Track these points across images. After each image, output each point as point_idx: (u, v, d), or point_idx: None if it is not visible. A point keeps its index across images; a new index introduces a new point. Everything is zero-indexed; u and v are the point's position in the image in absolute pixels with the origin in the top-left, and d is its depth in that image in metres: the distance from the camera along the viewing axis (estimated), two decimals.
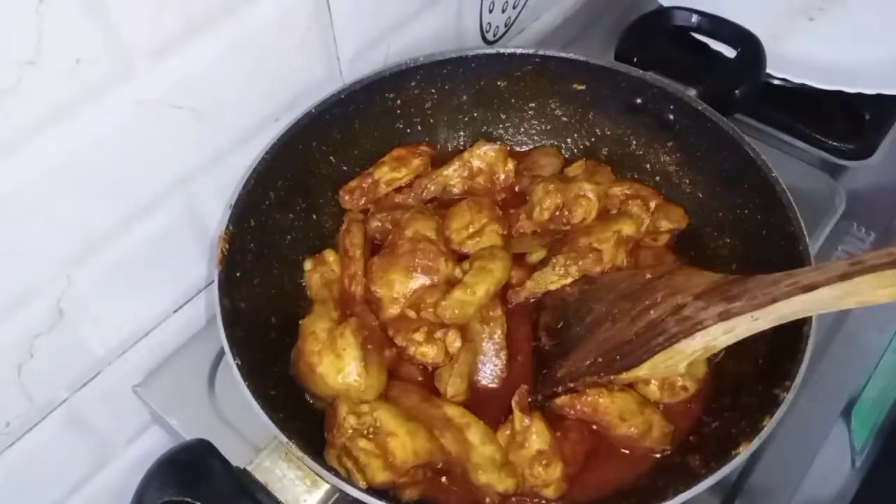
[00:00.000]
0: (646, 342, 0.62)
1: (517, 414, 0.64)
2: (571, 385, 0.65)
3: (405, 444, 0.59)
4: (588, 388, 0.65)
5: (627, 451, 0.67)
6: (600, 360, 0.64)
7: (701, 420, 0.67)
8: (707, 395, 0.68)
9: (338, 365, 0.64)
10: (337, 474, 0.56)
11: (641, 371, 0.61)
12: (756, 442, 0.57)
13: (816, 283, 0.52)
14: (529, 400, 0.66)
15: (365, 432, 0.59)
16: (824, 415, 0.76)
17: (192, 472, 0.55)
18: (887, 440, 0.84)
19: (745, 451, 0.57)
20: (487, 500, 0.62)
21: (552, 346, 0.70)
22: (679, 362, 0.60)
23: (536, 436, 0.63)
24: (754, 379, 0.65)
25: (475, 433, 0.63)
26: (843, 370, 0.79)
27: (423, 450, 0.60)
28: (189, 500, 0.53)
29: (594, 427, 0.67)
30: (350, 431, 0.59)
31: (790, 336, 0.61)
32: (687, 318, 0.60)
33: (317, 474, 0.57)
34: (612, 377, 0.63)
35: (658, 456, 0.66)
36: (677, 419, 0.67)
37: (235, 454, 0.58)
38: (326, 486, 0.57)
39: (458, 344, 0.68)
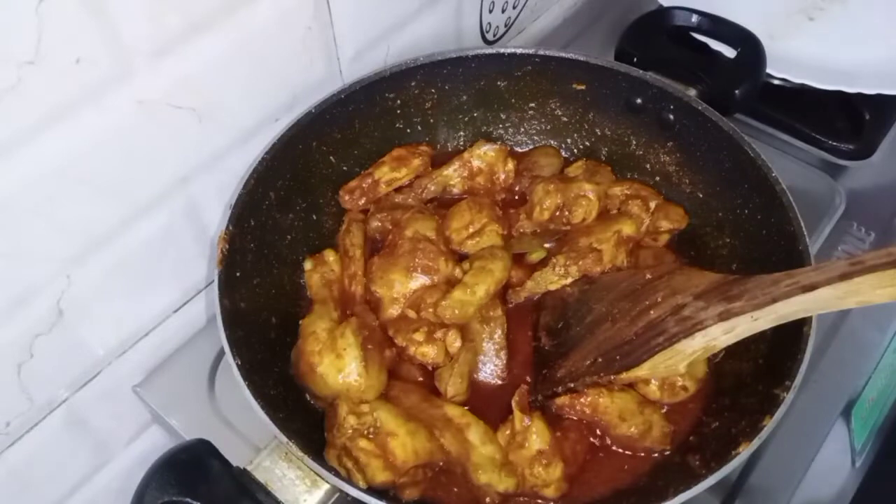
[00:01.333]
0: (646, 342, 0.62)
1: (517, 414, 0.64)
2: (571, 385, 0.65)
3: (405, 444, 0.59)
4: (588, 388, 0.65)
5: (628, 452, 0.67)
6: (600, 360, 0.64)
7: (701, 420, 0.67)
8: (707, 395, 0.68)
9: (338, 365, 0.64)
10: (337, 474, 0.56)
11: (641, 371, 0.61)
12: (756, 442, 0.57)
13: (816, 283, 0.52)
14: (530, 399, 0.66)
15: (365, 432, 0.59)
16: (824, 415, 0.76)
17: (192, 472, 0.55)
18: (887, 440, 0.84)
19: (745, 451, 0.57)
20: (488, 499, 0.62)
21: (552, 347, 0.70)
22: (679, 362, 0.60)
23: (537, 436, 0.63)
24: (754, 379, 0.65)
25: (475, 433, 0.63)
26: (843, 370, 0.79)
27: (423, 450, 0.60)
28: (189, 500, 0.53)
29: (594, 427, 0.67)
30: (350, 431, 0.59)
31: (790, 336, 0.61)
32: (687, 318, 0.60)
33: (317, 474, 0.57)
34: (612, 377, 0.63)
35: (658, 456, 0.66)
36: (677, 419, 0.67)
37: (235, 454, 0.58)
38: (326, 486, 0.57)
39: (458, 344, 0.68)
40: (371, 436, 0.59)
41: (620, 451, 0.67)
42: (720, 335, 0.57)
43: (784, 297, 0.54)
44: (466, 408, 0.66)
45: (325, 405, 0.65)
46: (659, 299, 0.64)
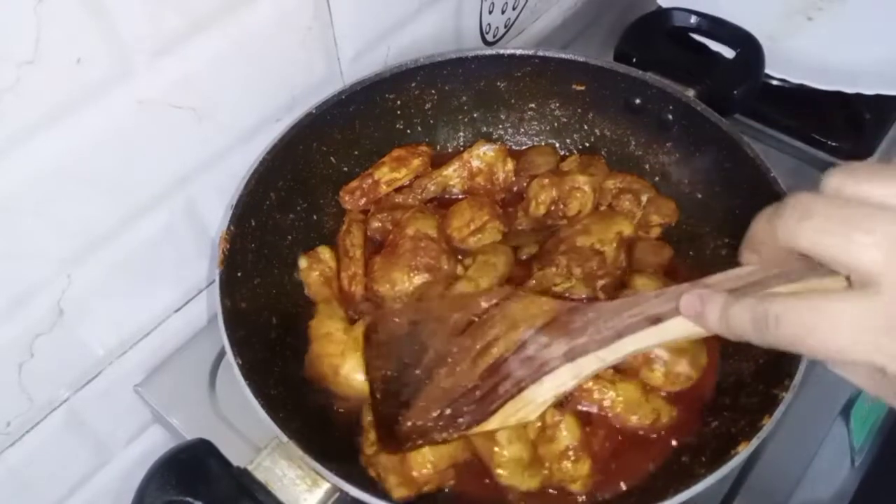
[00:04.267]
0: (492, 389, 0.55)
1: (550, 408, 0.63)
2: (420, 442, 0.57)
3: (423, 452, 0.59)
4: (440, 443, 0.59)
5: (653, 437, 0.66)
6: (448, 411, 0.56)
7: (701, 419, 0.67)
8: (708, 393, 0.68)
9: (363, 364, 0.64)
10: (338, 474, 0.56)
11: (492, 424, 0.55)
12: (756, 442, 0.57)
13: (662, 315, 0.47)
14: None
15: None
16: (824, 415, 0.76)
17: (192, 472, 0.55)
18: (886, 440, 0.84)
19: (745, 451, 0.57)
20: (510, 496, 0.62)
21: (391, 391, 0.62)
22: (530, 412, 0.54)
23: (566, 431, 0.63)
24: (754, 379, 0.65)
25: (503, 431, 0.62)
26: None
27: (441, 459, 0.60)
28: (189, 499, 0.54)
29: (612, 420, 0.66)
30: (374, 442, 0.60)
31: None
32: (531, 358, 0.54)
33: (317, 474, 0.57)
34: (464, 433, 0.56)
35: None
36: (680, 403, 0.67)
37: (236, 454, 0.58)
38: (326, 486, 0.57)
39: None
40: None
41: (642, 443, 0.66)
42: (569, 379, 0.52)
43: (630, 332, 0.48)
44: None
45: (347, 406, 0.65)
46: (499, 334, 0.57)
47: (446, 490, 0.63)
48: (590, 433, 0.65)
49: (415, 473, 0.59)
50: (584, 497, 0.63)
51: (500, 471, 0.62)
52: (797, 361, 0.60)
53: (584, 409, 0.66)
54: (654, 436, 0.66)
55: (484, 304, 0.61)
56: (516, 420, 0.54)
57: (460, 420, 0.56)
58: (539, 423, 0.63)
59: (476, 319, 0.60)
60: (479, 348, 0.58)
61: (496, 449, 0.62)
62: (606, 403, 0.66)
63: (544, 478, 0.63)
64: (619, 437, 0.66)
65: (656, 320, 0.47)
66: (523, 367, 0.54)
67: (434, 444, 0.58)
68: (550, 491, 0.63)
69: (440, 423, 0.57)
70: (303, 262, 0.74)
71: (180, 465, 0.56)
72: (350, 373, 0.63)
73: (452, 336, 0.60)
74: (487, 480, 0.63)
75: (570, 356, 0.51)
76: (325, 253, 0.75)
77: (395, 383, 0.61)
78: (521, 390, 0.53)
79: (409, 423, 0.58)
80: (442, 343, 0.61)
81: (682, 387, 0.68)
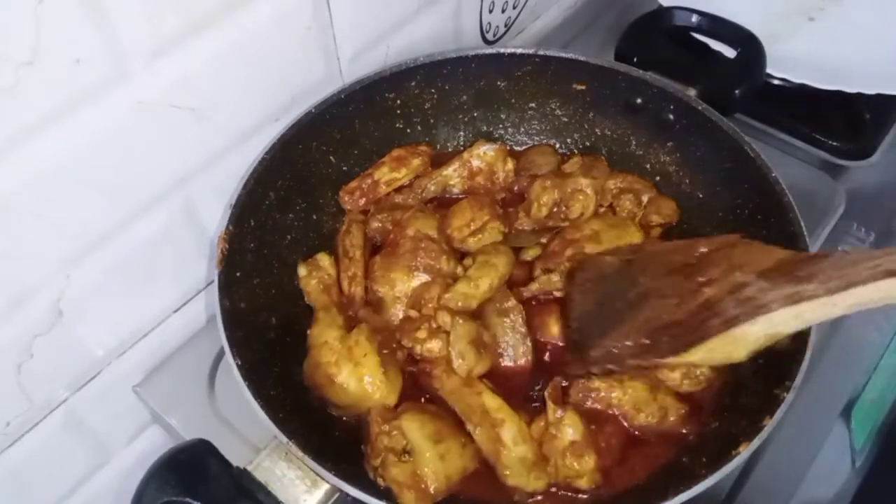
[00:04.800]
0: (700, 324, 0.55)
1: (550, 405, 0.63)
2: (610, 367, 0.60)
3: (437, 470, 0.60)
4: (629, 371, 0.61)
5: (652, 439, 0.66)
6: (645, 340, 0.58)
7: (702, 420, 0.67)
8: (714, 391, 0.68)
9: (358, 373, 0.64)
10: (338, 474, 0.56)
11: (693, 356, 0.56)
12: (756, 442, 0.57)
13: None
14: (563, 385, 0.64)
15: (398, 452, 0.60)
16: (824, 415, 0.76)
17: (191, 473, 0.56)
18: (887, 440, 0.84)
19: (745, 451, 0.57)
20: (516, 497, 0.63)
21: (586, 323, 0.66)
22: (738, 349, 0.54)
23: (570, 427, 0.63)
24: (754, 379, 0.65)
25: (508, 432, 0.63)
26: (843, 370, 0.79)
27: (455, 472, 0.61)
28: (189, 500, 0.54)
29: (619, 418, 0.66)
30: (383, 453, 0.60)
31: (790, 336, 0.60)
32: (749, 299, 0.53)
33: (317, 474, 0.57)
34: (658, 361, 0.58)
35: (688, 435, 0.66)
36: (688, 399, 0.67)
37: (235, 454, 0.58)
38: (326, 486, 0.57)
39: (447, 318, 0.68)
40: (404, 459, 0.60)
41: (650, 439, 0.66)
42: (789, 320, 0.51)
43: (864, 282, 0.48)
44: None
45: (345, 413, 0.65)
46: (716, 275, 0.57)
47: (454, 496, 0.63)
48: (596, 430, 0.65)
49: (431, 488, 0.59)
50: (589, 495, 0.63)
51: (506, 471, 0.62)
52: (798, 362, 0.60)
53: (591, 406, 0.66)
54: (660, 432, 0.66)
55: (704, 249, 0.61)
56: (721, 354, 0.55)
57: (658, 349, 0.57)
58: (543, 422, 0.64)
59: (694, 261, 0.61)
60: (692, 286, 0.58)
61: (503, 450, 0.62)
62: (614, 402, 0.66)
63: (550, 477, 0.63)
64: (626, 433, 0.66)
65: (894, 273, 0.46)
66: (738, 307, 0.54)
67: (626, 369, 0.60)
68: (556, 491, 0.63)
69: (635, 351, 0.58)
70: (302, 271, 0.74)
71: (179, 465, 0.56)
72: (345, 381, 0.64)
73: (666, 275, 0.61)
74: (494, 484, 0.63)
75: (794, 300, 0.51)
76: (324, 260, 0.74)
77: (592, 315, 0.64)
78: (731, 327, 0.53)
79: (602, 350, 0.61)
80: (652, 279, 0.62)
81: (698, 388, 0.67)
